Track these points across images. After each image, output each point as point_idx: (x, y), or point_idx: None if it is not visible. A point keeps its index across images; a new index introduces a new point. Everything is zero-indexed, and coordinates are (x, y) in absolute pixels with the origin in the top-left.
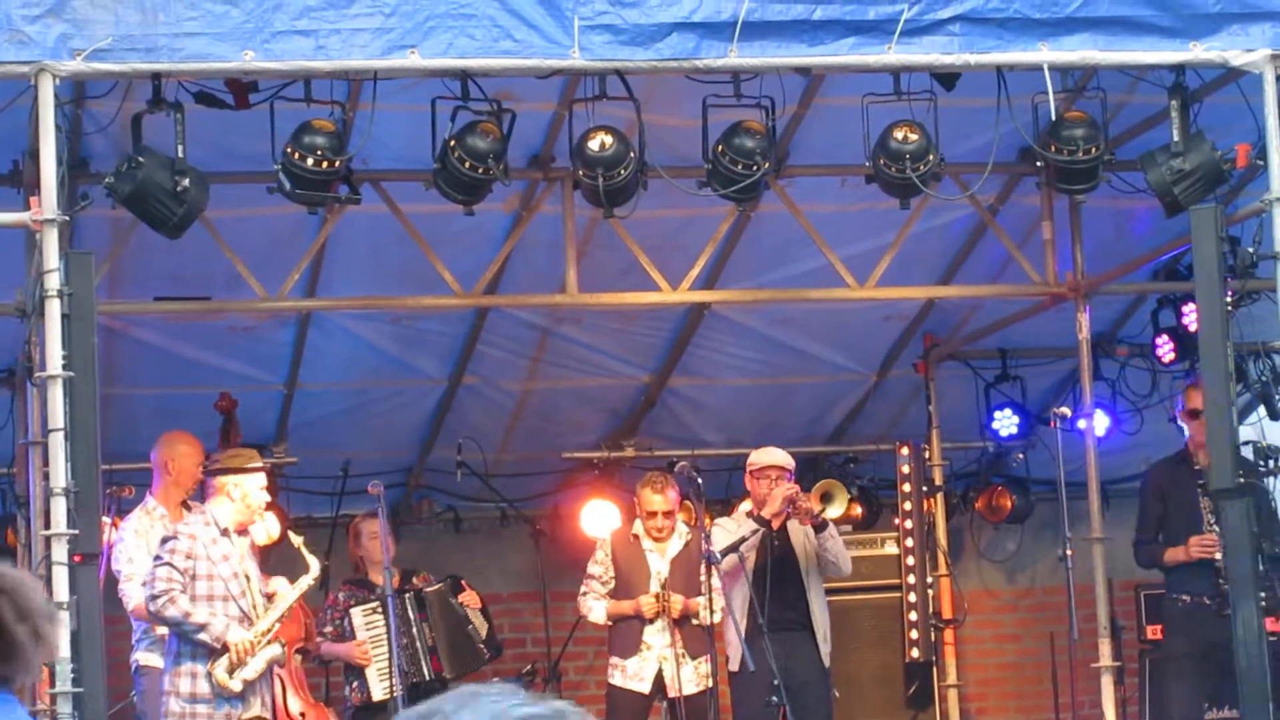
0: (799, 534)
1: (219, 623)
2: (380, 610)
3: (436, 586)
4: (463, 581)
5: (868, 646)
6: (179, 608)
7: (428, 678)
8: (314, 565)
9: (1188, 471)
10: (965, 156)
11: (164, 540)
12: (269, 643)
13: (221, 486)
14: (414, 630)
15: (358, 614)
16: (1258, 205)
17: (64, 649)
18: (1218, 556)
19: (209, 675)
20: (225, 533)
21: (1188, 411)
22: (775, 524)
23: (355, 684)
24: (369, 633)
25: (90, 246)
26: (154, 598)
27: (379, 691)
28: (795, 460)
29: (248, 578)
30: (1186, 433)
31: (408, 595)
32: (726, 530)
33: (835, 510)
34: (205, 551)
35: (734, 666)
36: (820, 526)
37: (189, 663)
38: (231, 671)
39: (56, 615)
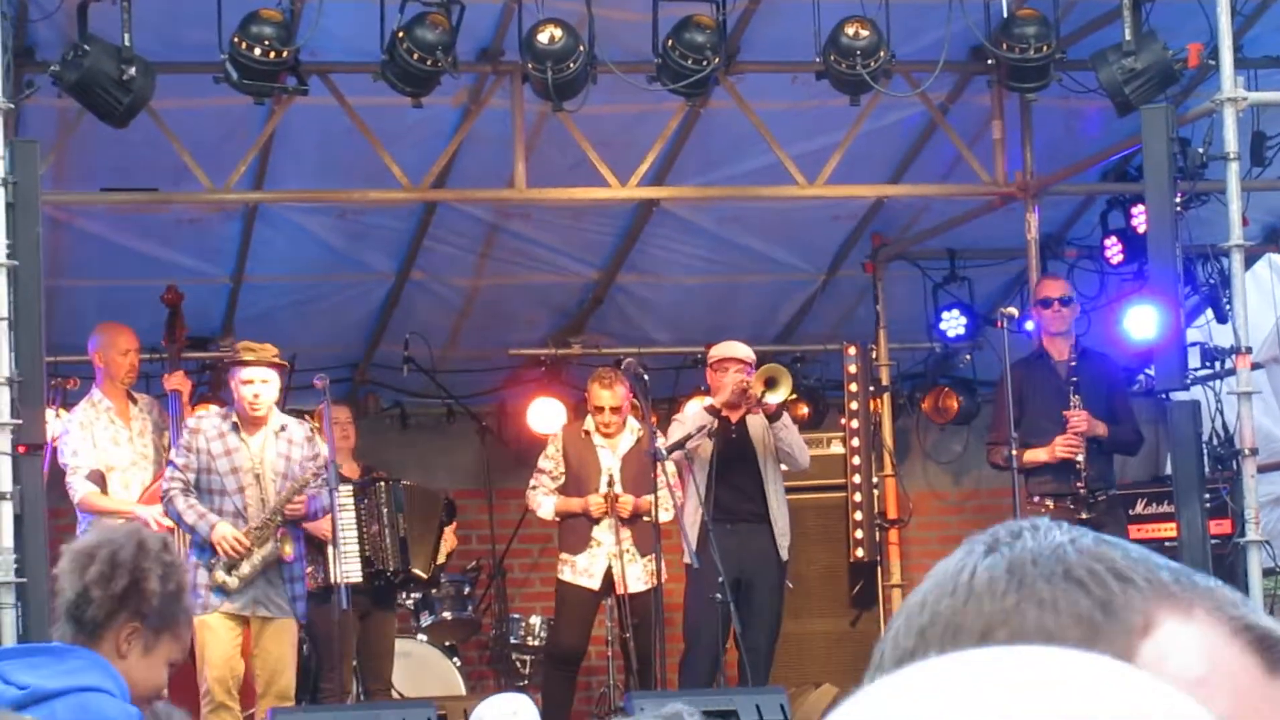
0: (757, 427)
1: (204, 525)
2: (353, 495)
3: (427, 488)
4: (455, 522)
5: (813, 546)
6: (175, 508)
7: (392, 568)
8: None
9: (1045, 369)
10: (916, 54)
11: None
12: (268, 540)
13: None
14: (384, 519)
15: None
16: (1208, 106)
17: (6, 538)
18: (1080, 458)
19: (209, 568)
20: (236, 428)
21: (1039, 301)
22: (733, 416)
23: (312, 568)
24: (340, 515)
25: (36, 136)
26: (161, 497)
27: (337, 575)
28: None
29: (257, 475)
30: (1038, 326)
31: (384, 484)
32: (682, 424)
33: (778, 396)
34: (206, 445)
35: (689, 559)
36: (774, 416)
37: (194, 555)
38: (230, 570)
39: (160, 558)
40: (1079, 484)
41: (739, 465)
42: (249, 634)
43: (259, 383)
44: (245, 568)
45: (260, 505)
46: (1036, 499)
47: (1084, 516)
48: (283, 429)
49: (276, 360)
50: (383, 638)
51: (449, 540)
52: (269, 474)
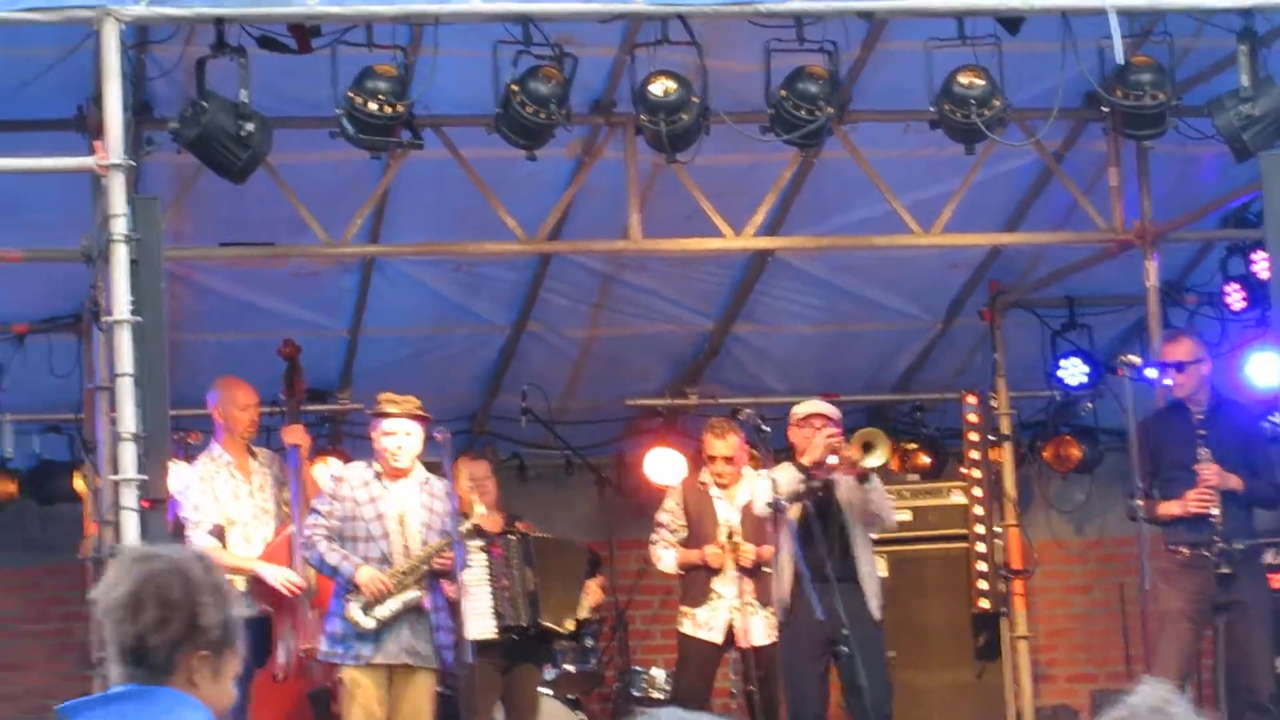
0: (844, 486)
1: (347, 566)
2: (484, 550)
3: (563, 541)
4: (600, 574)
5: (935, 597)
6: (316, 551)
7: (524, 623)
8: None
9: (1181, 419)
10: (1030, 102)
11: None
12: (411, 586)
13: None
14: (515, 574)
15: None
16: None
17: None
18: (1214, 511)
19: (344, 616)
20: (379, 476)
21: (1171, 365)
22: (819, 474)
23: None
24: (470, 571)
25: (155, 192)
26: (301, 545)
27: (473, 631)
28: (859, 409)
29: (401, 522)
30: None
31: (513, 538)
32: (775, 482)
33: (876, 460)
34: (351, 494)
35: (782, 617)
36: (863, 478)
37: (335, 603)
38: (366, 609)
39: (199, 608)
40: (1214, 537)
41: (826, 524)
42: (390, 685)
43: (401, 435)
44: (384, 610)
45: (404, 552)
46: (1172, 548)
47: (1222, 570)
48: (426, 481)
49: (419, 413)
50: (525, 692)
51: (593, 593)
52: (413, 523)
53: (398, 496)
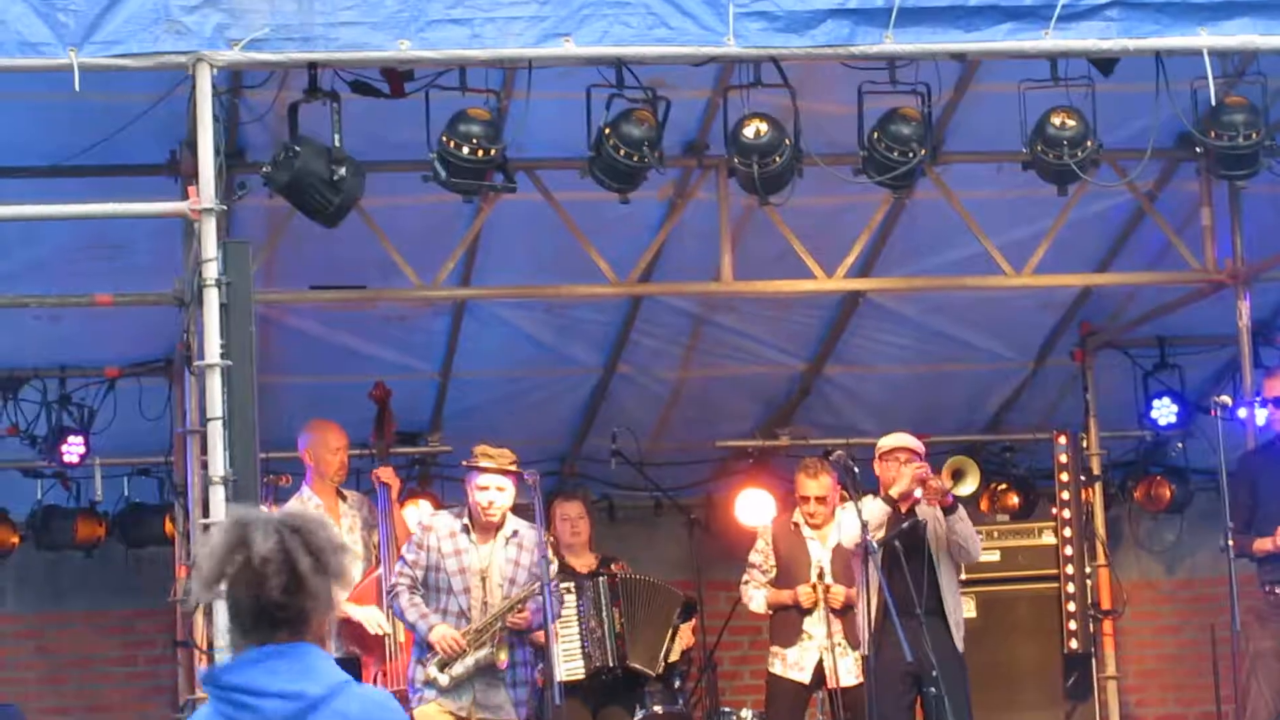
0: (929, 519)
1: (423, 625)
2: (573, 591)
3: (656, 584)
4: (694, 619)
5: (1025, 637)
6: (399, 603)
7: (611, 664)
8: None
9: (1278, 457)
10: (1123, 142)
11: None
12: (486, 644)
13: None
14: (604, 615)
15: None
16: None
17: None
18: None
19: (422, 665)
20: (466, 529)
21: (1271, 400)
22: (904, 506)
23: (541, 665)
24: (561, 611)
25: (247, 235)
26: (386, 592)
27: (562, 673)
28: (950, 450)
29: (483, 578)
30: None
31: (602, 579)
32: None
33: (967, 488)
34: (437, 544)
35: (865, 650)
36: (949, 509)
37: (416, 650)
38: (442, 667)
39: (343, 549)
40: None
41: (912, 557)
42: None
43: (494, 489)
44: (458, 668)
45: (483, 608)
46: (1267, 587)
47: None
48: (514, 534)
49: (511, 468)
50: None
51: (685, 638)
52: (495, 578)
53: (484, 551)
